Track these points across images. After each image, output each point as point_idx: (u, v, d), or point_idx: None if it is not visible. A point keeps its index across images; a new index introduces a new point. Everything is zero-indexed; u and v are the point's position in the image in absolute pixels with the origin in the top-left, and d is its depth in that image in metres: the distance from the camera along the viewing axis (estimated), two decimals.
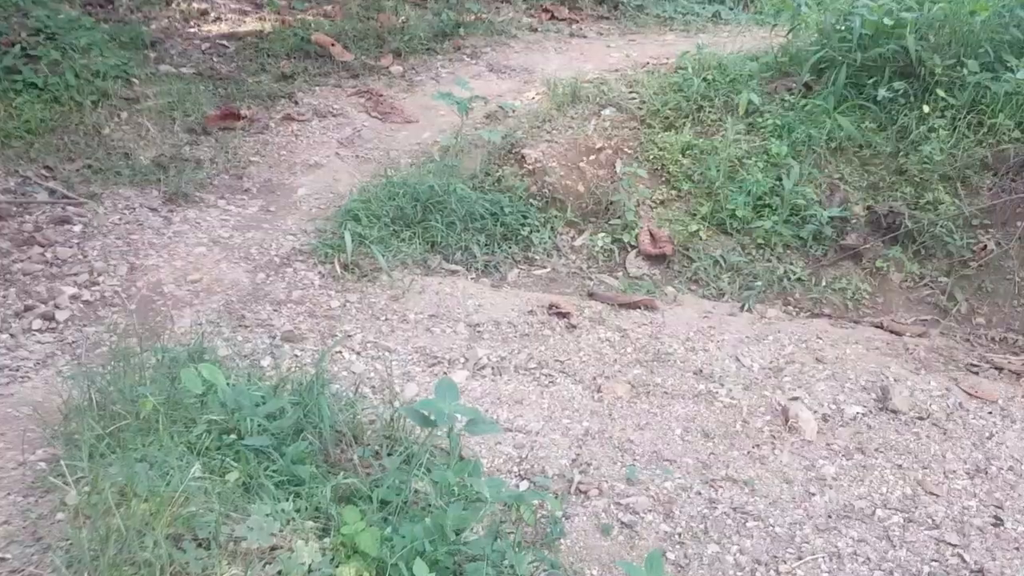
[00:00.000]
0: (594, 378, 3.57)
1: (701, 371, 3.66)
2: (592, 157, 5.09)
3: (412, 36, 6.85)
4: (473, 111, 5.08)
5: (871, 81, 5.06)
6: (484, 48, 6.97)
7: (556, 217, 4.83)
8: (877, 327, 4.21)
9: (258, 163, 5.09)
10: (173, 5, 7.00)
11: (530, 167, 4.96)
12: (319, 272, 4.11)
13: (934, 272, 4.54)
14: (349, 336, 3.65)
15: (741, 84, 5.41)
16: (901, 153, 4.88)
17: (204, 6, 7.07)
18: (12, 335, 3.42)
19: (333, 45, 6.49)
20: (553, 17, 7.95)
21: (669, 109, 5.34)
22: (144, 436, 2.51)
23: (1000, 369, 3.88)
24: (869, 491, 3.06)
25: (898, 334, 4.12)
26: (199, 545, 2.18)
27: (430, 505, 2.48)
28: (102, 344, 3.36)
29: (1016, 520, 2.96)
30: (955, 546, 2.83)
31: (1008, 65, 4.76)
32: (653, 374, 3.62)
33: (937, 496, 3.06)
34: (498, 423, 3.17)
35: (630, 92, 5.56)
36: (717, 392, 3.53)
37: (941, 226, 4.55)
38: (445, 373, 3.48)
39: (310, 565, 2.17)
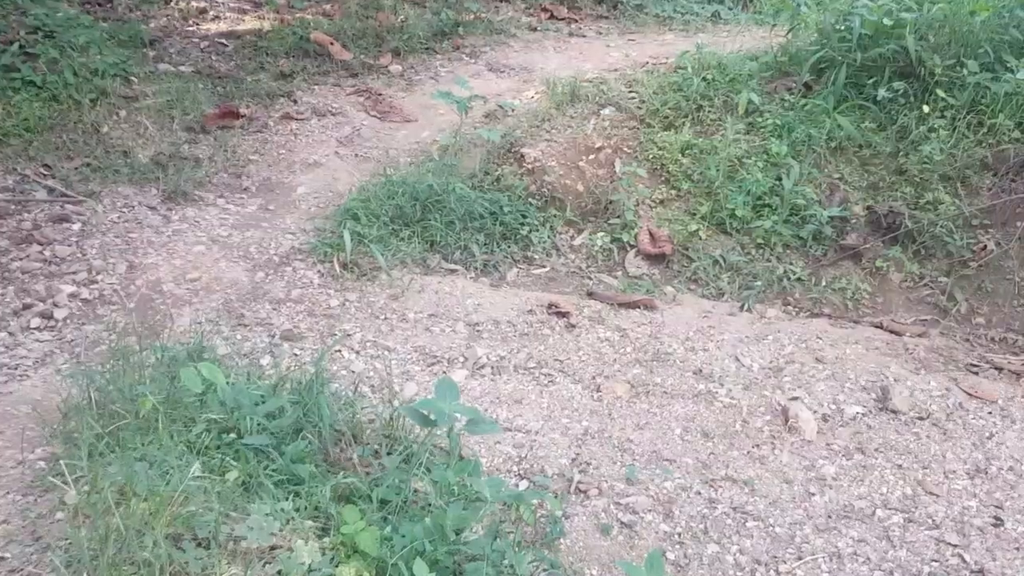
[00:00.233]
0: (593, 377, 3.57)
1: (701, 371, 3.66)
2: (591, 156, 5.09)
3: (411, 35, 6.84)
4: (472, 110, 5.07)
5: (871, 81, 5.06)
6: (483, 47, 6.96)
7: (555, 216, 4.82)
8: (877, 327, 4.20)
9: (257, 162, 5.08)
10: (172, 3, 6.98)
11: (529, 166, 4.95)
12: (318, 271, 4.10)
13: (934, 272, 4.54)
14: (348, 335, 3.65)
15: (741, 84, 5.40)
16: (901, 153, 4.88)
17: (203, 4, 7.05)
18: (11, 333, 3.41)
19: (332, 44, 6.48)
20: (552, 16, 7.94)
21: (668, 108, 5.33)
22: (143, 435, 2.51)
23: (1000, 369, 3.88)
24: (869, 491, 3.05)
25: (898, 334, 4.12)
26: (199, 545, 2.17)
27: (430, 505, 2.48)
28: (101, 343, 3.35)
29: (1016, 520, 2.96)
30: (955, 546, 2.83)
31: (1008, 65, 4.76)
32: (652, 374, 3.62)
33: (937, 496, 3.05)
34: (497, 422, 3.16)
35: (629, 91, 5.55)
36: (717, 392, 3.53)
37: (941, 226, 4.55)
38: (444, 372, 3.48)
39: (310, 565, 2.16)
